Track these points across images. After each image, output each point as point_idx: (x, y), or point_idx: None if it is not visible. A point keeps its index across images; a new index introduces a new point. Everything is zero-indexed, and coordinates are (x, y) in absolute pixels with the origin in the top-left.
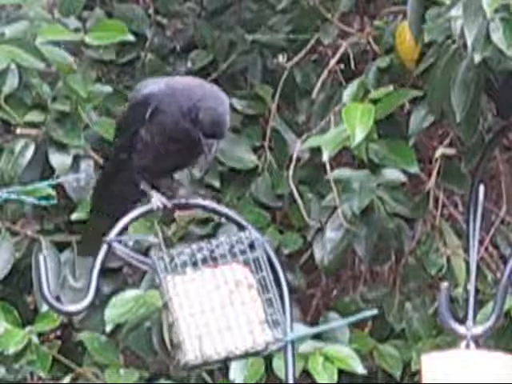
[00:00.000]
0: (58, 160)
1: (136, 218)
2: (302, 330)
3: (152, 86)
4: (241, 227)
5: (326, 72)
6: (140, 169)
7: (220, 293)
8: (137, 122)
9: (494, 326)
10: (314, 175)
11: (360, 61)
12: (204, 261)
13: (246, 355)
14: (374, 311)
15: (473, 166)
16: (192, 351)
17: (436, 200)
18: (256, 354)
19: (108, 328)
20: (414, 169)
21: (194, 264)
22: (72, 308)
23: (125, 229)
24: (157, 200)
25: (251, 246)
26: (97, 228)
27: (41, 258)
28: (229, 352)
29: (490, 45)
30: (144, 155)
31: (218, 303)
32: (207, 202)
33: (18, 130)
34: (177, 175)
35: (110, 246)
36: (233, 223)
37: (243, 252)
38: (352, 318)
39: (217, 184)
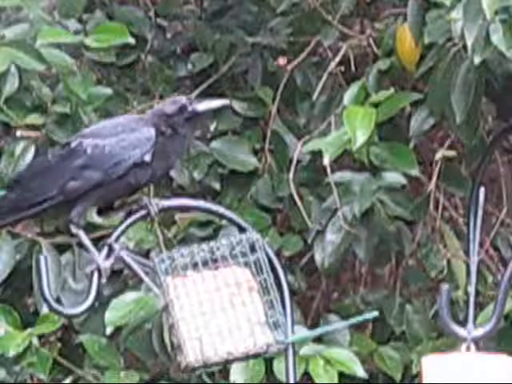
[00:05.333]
0: None
1: (134, 222)
2: (302, 332)
3: None
4: (241, 229)
5: (326, 74)
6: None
7: (221, 295)
8: None
9: (495, 328)
10: (315, 178)
11: (360, 63)
12: (205, 263)
13: (246, 357)
14: (375, 313)
15: (473, 168)
16: (193, 353)
17: (436, 202)
18: (257, 355)
19: (108, 330)
20: (415, 171)
21: (195, 266)
22: (73, 310)
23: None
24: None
25: (252, 248)
26: None
27: (42, 259)
28: (229, 354)
29: (490, 46)
30: None
31: (218, 305)
32: (208, 204)
33: (18, 133)
34: (178, 178)
35: (110, 248)
36: (233, 225)
37: (244, 254)
38: (352, 321)
39: (217, 186)
